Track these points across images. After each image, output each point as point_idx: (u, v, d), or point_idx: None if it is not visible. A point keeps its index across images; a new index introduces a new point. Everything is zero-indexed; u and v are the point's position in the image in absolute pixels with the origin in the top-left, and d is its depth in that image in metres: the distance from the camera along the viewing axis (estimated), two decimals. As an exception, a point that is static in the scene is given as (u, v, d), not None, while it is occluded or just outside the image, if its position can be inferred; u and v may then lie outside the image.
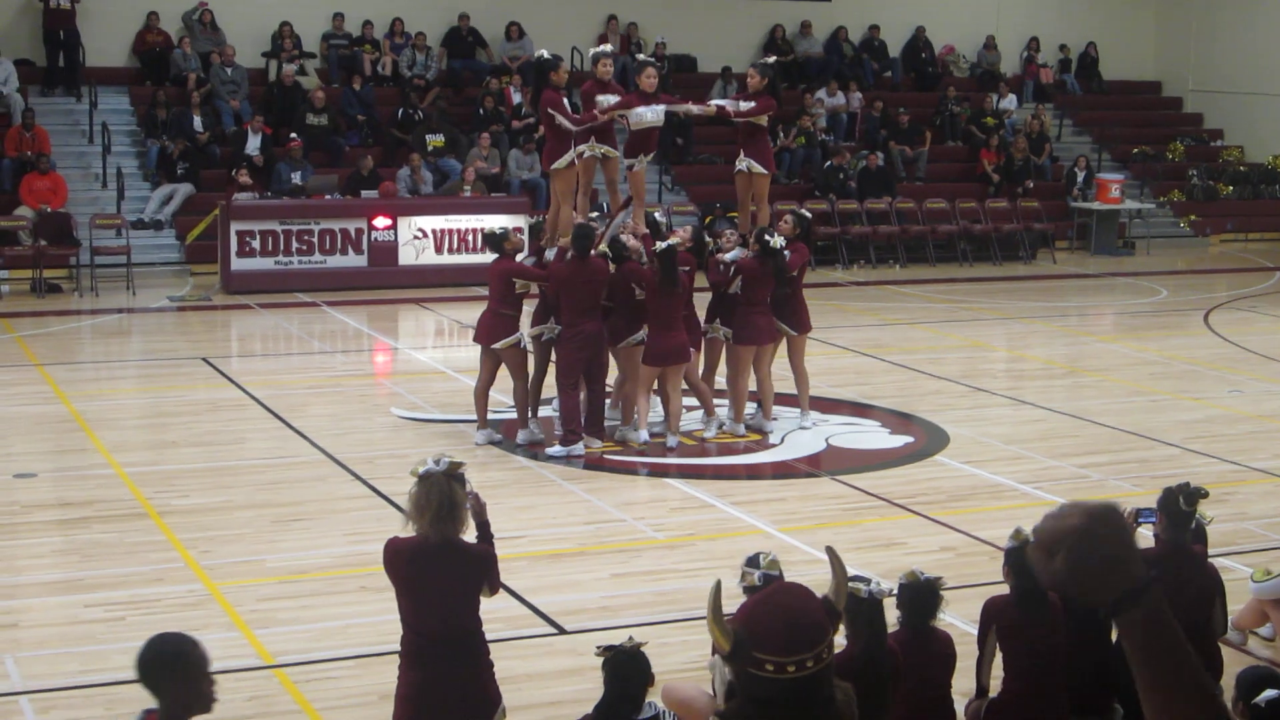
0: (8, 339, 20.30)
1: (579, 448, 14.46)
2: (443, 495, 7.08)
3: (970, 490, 13.65)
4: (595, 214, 15.66)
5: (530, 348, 14.88)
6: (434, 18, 30.34)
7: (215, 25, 28.86)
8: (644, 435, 14.67)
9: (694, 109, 16.32)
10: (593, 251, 14.34)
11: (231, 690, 9.16)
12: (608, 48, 15.73)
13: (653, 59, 15.65)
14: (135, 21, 28.63)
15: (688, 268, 14.79)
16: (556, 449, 14.47)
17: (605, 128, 15.13)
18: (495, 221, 23.08)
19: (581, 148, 15.10)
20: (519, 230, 16.65)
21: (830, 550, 6.10)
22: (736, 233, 15.42)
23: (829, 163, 29.32)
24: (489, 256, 14.94)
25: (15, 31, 28.02)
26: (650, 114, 15.05)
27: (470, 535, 7.35)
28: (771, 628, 5.37)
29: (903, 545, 11.98)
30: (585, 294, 14.34)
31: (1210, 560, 8.93)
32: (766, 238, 14.78)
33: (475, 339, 14.91)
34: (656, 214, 15.91)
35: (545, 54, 15.23)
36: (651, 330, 14.47)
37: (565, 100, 15.01)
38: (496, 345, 14.53)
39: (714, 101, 16.63)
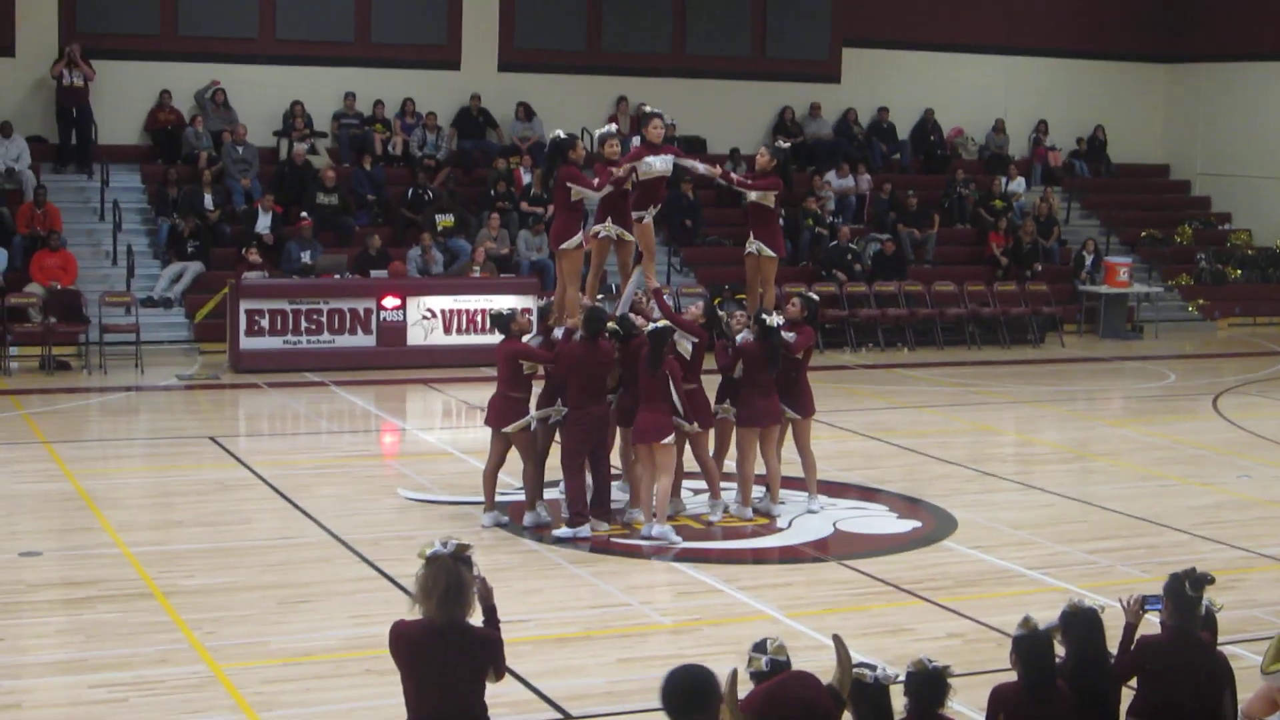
0: (16, 416, 20.31)
1: (586, 530, 14.41)
2: (450, 578, 7.06)
3: (978, 576, 13.60)
4: (602, 296, 15.65)
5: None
6: (445, 98, 30.49)
7: (227, 104, 29.01)
8: (669, 533, 14.45)
9: (700, 168, 16.22)
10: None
11: (234, 774, 9.13)
12: (613, 127, 15.76)
13: (659, 111, 15.57)
14: (148, 100, 28.80)
15: (697, 340, 14.78)
16: (563, 531, 14.43)
17: (622, 209, 15.13)
18: (504, 302, 23.20)
19: (597, 227, 15.10)
20: (527, 311, 16.64)
21: (836, 638, 6.10)
22: (745, 314, 15.42)
23: (834, 241, 29.35)
24: (497, 337, 14.95)
25: (29, 109, 28.17)
26: (659, 163, 15.10)
27: (477, 619, 7.31)
28: (785, 717, 5.37)
29: (910, 631, 11.93)
30: (593, 376, 14.35)
31: (1220, 648, 8.88)
32: (764, 317, 14.76)
33: (486, 421, 14.91)
34: (665, 295, 15.91)
35: (561, 133, 15.28)
36: (639, 405, 14.43)
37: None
38: (507, 429, 14.54)
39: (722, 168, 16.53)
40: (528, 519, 14.83)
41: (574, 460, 14.48)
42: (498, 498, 15.06)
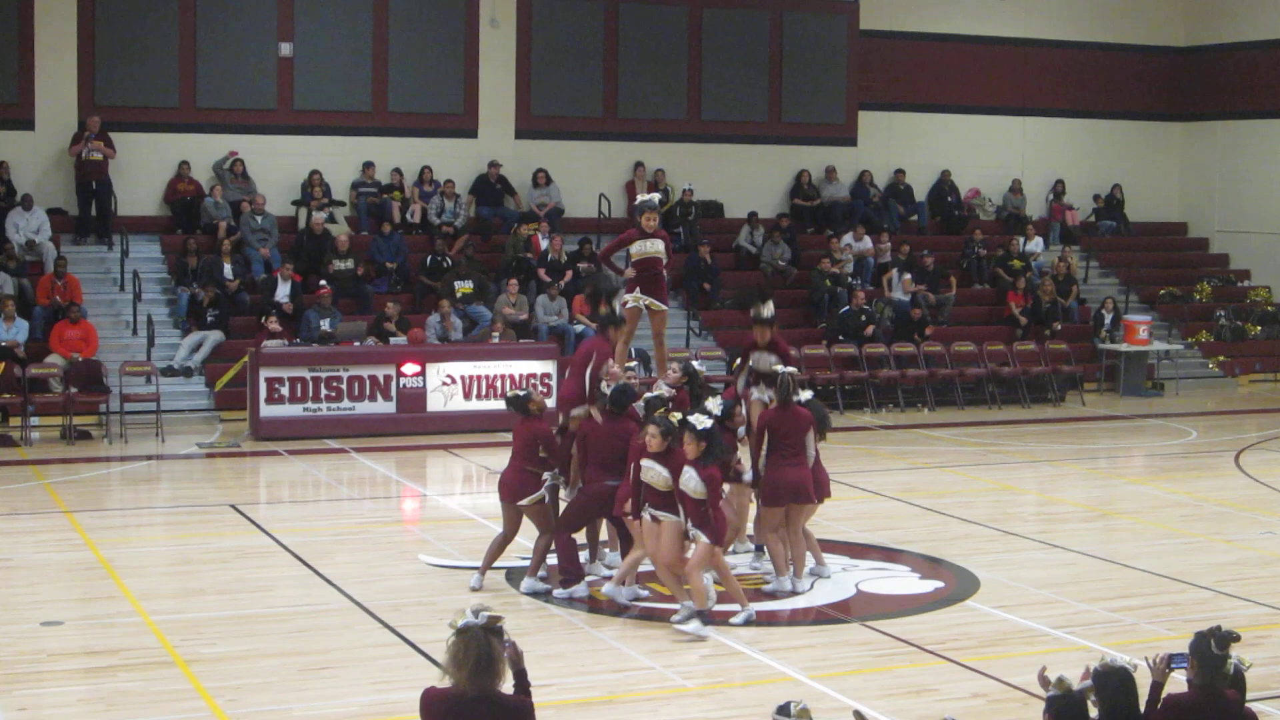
0: (37, 485, 20.35)
1: (581, 589, 14.42)
2: (480, 649, 7.01)
3: (1002, 635, 13.54)
4: (633, 363, 15.66)
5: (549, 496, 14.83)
6: (463, 166, 30.60)
7: (246, 174, 29.14)
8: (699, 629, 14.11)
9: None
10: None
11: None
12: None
13: (654, 204, 15.62)
14: (167, 171, 28.94)
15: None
16: (560, 591, 14.42)
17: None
18: (523, 367, 23.41)
19: (626, 297, 15.28)
20: (546, 379, 16.67)
21: (858, 715, 6.07)
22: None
23: (846, 307, 29.32)
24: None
25: (49, 181, 28.31)
26: (650, 245, 15.27)
27: (507, 685, 7.27)
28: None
29: (934, 691, 11.87)
30: (611, 451, 14.35)
31: (1247, 705, 8.81)
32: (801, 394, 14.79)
33: (500, 496, 14.88)
34: (695, 363, 15.90)
35: (618, 311, 15.25)
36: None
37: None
38: (522, 502, 14.55)
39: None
40: (525, 585, 14.80)
41: (570, 525, 14.51)
42: (517, 564, 15.03)
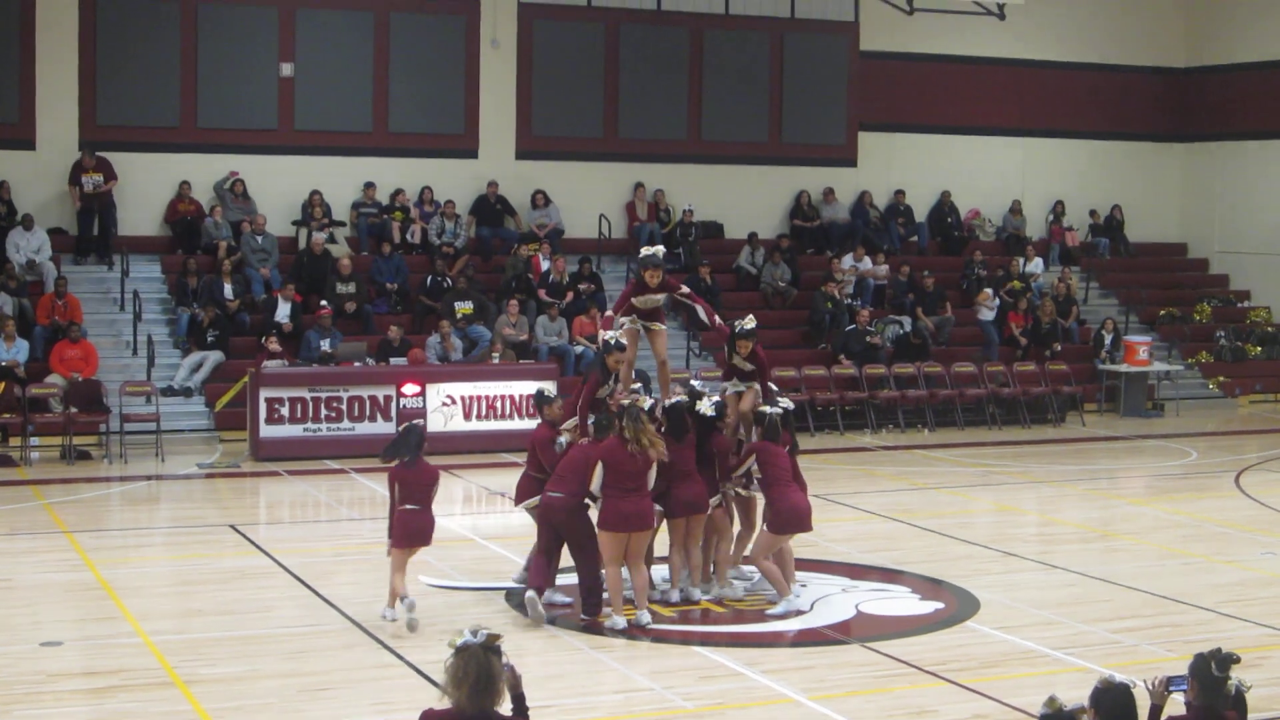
0: (37, 506, 20.34)
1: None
2: (480, 668, 7.01)
3: (1002, 657, 13.53)
4: (639, 385, 15.64)
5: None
6: (463, 186, 30.62)
7: (246, 194, 29.17)
8: (675, 595, 14.96)
9: (700, 312, 16.19)
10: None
11: None
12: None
13: (658, 260, 15.50)
14: (167, 191, 28.96)
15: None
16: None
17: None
18: (524, 388, 23.54)
19: (623, 320, 15.28)
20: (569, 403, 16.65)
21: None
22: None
23: (851, 325, 29.38)
24: (517, 423, 15.04)
25: (50, 201, 28.33)
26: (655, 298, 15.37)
27: (506, 707, 7.27)
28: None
29: (934, 713, 11.86)
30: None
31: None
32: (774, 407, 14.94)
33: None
34: (695, 382, 15.94)
35: (610, 338, 15.24)
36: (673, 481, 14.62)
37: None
38: (519, 506, 14.71)
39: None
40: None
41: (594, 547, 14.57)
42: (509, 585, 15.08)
